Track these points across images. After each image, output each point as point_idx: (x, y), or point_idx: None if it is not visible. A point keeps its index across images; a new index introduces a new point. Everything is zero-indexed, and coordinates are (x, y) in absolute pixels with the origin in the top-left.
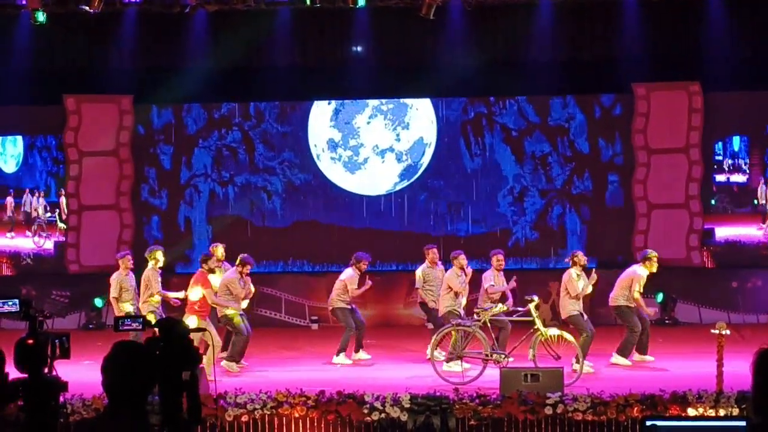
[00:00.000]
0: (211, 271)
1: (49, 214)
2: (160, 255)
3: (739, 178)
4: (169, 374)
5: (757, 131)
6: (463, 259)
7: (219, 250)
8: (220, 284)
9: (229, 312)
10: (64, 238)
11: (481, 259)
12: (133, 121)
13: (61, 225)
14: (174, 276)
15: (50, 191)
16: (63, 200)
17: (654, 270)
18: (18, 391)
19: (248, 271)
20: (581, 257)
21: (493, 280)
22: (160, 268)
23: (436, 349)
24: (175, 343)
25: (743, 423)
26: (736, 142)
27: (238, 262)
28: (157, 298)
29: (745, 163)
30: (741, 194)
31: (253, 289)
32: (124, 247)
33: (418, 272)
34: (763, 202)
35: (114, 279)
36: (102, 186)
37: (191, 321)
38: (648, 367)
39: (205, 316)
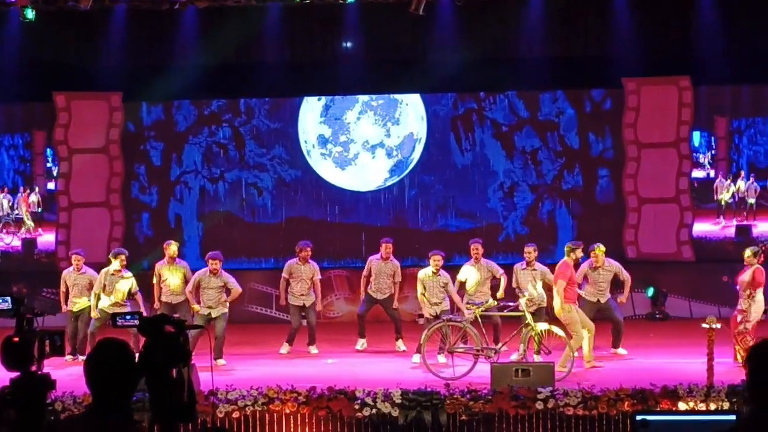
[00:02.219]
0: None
1: (16, 212)
2: (116, 260)
3: (698, 173)
4: (158, 371)
5: (724, 126)
6: (437, 260)
7: (172, 247)
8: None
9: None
10: (30, 236)
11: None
12: (122, 118)
13: (29, 223)
14: None
15: (17, 189)
16: (31, 197)
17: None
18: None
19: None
20: (531, 253)
21: (470, 272)
22: (116, 271)
23: (426, 345)
24: (162, 340)
25: (733, 417)
26: (696, 137)
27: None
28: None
29: (709, 159)
30: (701, 190)
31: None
32: (77, 247)
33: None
34: (720, 197)
35: (76, 277)
36: (92, 183)
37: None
38: (639, 362)
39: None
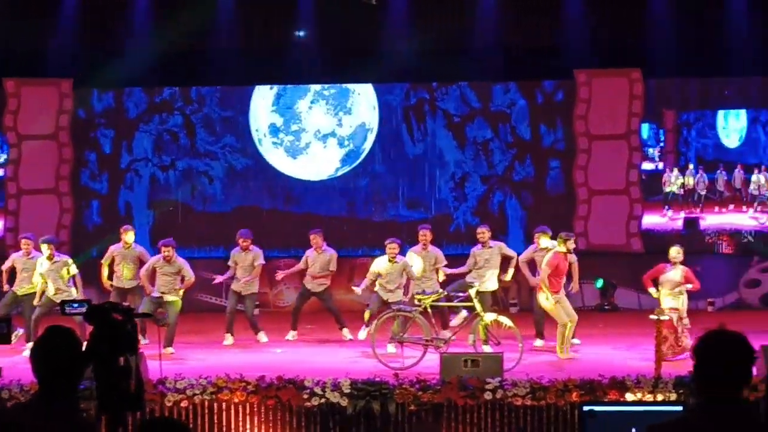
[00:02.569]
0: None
1: None
2: (44, 248)
3: (647, 166)
4: (105, 360)
5: (673, 118)
6: (393, 248)
7: (129, 233)
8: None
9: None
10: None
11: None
12: (73, 105)
13: None
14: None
15: None
16: None
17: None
18: None
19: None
20: (484, 233)
21: (415, 259)
22: (50, 257)
23: (376, 334)
24: (108, 328)
25: (680, 408)
26: (645, 129)
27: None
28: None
29: (658, 151)
30: (650, 182)
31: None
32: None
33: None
34: (668, 190)
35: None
36: (41, 170)
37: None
38: (587, 353)
39: None
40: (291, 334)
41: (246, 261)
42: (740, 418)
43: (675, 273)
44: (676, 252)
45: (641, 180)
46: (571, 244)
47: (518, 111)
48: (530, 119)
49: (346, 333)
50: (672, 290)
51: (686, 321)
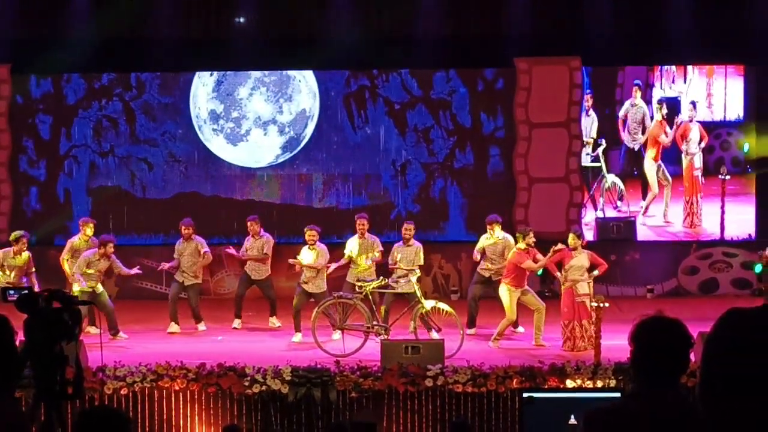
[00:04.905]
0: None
1: None
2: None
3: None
4: (40, 348)
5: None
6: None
7: (90, 225)
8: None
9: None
10: None
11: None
12: (10, 91)
13: None
14: (53, 248)
15: None
16: None
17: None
18: None
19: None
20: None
21: (354, 247)
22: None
23: (317, 322)
24: (40, 316)
25: (618, 394)
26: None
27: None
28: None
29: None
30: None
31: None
32: None
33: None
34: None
35: None
36: None
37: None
38: (528, 340)
39: None
40: (236, 322)
41: (188, 249)
42: (677, 404)
43: (581, 258)
44: (572, 239)
45: (581, 168)
46: (531, 239)
47: (459, 99)
48: (471, 107)
49: (274, 321)
50: (582, 276)
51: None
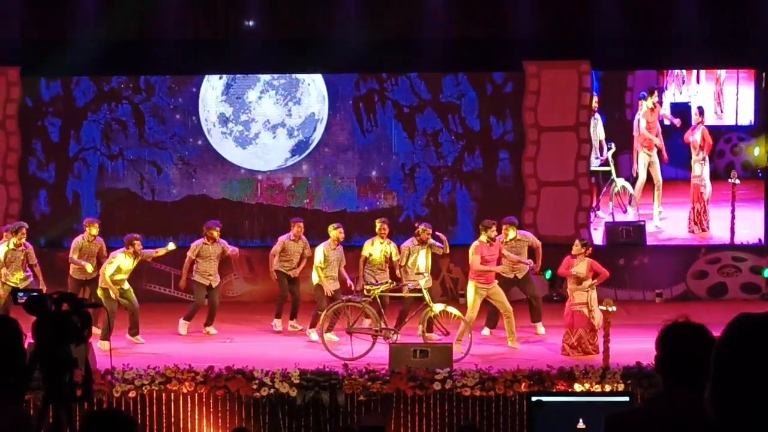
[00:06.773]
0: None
1: None
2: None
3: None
4: (48, 350)
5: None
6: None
7: (95, 226)
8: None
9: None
10: None
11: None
12: (20, 93)
13: None
14: (61, 250)
15: None
16: None
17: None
18: None
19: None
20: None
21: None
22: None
23: (326, 324)
24: (49, 319)
25: (627, 398)
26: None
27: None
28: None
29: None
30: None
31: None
32: None
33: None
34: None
35: None
36: None
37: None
38: (537, 344)
39: None
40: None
41: (216, 251)
42: (702, 408)
43: (580, 267)
44: (575, 247)
45: (590, 172)
46: (492, 232)
47: (468, 102)
48: (480, 111)
49: (276, 323)
50: (579, 285)
51: (598, 318)
